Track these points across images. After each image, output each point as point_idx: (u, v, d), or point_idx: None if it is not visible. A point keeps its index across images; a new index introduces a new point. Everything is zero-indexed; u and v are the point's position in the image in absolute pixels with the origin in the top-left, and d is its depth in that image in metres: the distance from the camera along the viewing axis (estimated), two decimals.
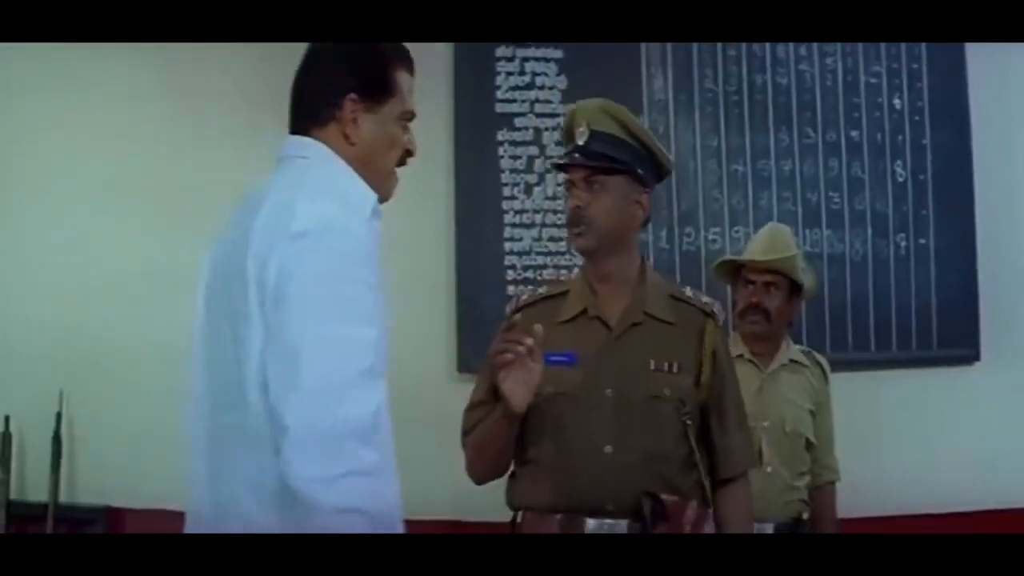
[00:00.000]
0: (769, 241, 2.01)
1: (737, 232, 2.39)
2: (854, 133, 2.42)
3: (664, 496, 1.31)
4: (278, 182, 1.09)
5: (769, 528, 1.86)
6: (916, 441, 2.51)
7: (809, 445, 2.01)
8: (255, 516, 1.00)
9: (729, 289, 2.08)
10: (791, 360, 2.03)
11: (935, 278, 2.45)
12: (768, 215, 2.39)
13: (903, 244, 2.44)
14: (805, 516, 1.98)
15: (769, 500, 1.88)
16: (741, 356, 1.95)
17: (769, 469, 1.92)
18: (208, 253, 1.12)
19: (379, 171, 1.13)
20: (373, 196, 1.11)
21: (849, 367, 2.29)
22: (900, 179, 2.44)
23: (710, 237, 2.38)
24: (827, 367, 2.08)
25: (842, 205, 2.43)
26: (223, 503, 1.04)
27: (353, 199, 1.07)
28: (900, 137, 2.45)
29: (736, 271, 2.03)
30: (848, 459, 2.10)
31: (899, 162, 2.44)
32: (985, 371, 2.55)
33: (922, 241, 2.45)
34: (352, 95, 1.11)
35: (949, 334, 2.46)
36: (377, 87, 1.13)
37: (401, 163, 1.16)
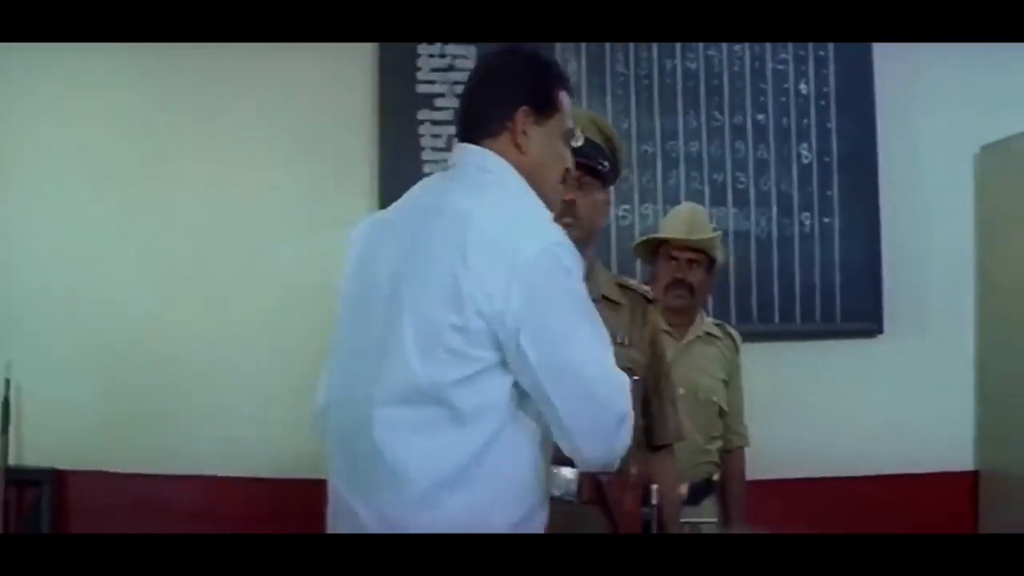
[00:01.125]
0: (691, 221, 2.20)
1: (646, 210, 2.59)
2: (760, 117, 2.62)
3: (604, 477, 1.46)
4: (472, 197, 1.18)
5: (683, 488, 2.00)
6: (821, 409, 2.75)
7: (721, 412, 2.21)
8: (432, 496, 1.11)
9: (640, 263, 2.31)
10: (705, 332, 2.23)
11: (839, 255, 2.68)
12: (676, 194, 2.60)
13: (808, 223, 2.66)
14: (715, 477, 2.20)
15: (683, 462, 2.04)
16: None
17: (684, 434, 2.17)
18: (360, 241, 1.24)
19: (546, 184, 1.25)
20: (548, 212, 1.22)
21: (754, 339, 2.48)
22: (806, 161, 2.65)
23: (620, 214, 2.57)
24: (738, 339, 2.29)
25: (748, 185, 2.62)
26: (392, 483, 1.13)
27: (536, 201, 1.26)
28: (806, 121, 2.66)
29: (656, 248, 2.21)
30: (756, 425, 2.30)
31: (805, 145, 2.65)
32: (887, 344, 2.79)
33: (827, 220, 2.67)
34: (524, 107, 1.23)
35: (852, 308, 2.70)
36: (546, 102, 1.25)
37: (563, 180, 1.27)
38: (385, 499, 1.15)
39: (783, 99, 2.64)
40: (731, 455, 2.24)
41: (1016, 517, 2.77)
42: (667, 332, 2.12)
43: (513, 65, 1.28)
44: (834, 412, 2.77)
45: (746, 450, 2.26)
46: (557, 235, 1.14)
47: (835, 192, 2.66)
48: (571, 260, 1.13)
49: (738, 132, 2.63)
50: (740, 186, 2.62)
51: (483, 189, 1.19)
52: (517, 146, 1.22)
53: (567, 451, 1.19)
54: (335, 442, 1.22)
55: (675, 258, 2.14)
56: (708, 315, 2.34)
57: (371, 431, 1.14)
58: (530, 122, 1.23)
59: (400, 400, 1.15)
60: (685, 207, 2.29)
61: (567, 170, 1.27)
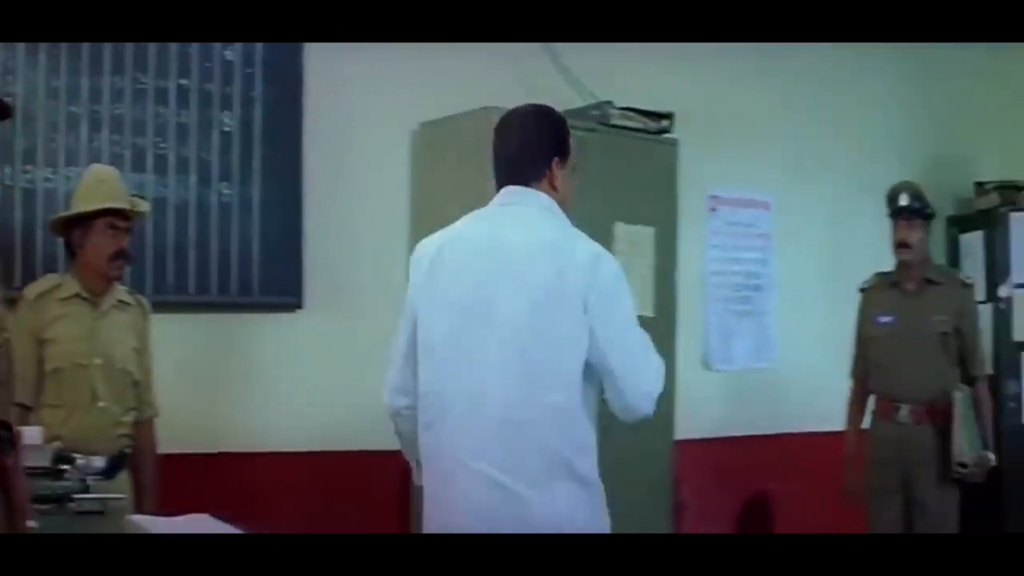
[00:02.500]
0: (114, 187, 3.06)
1: (71, 172, 3.33)
2: (184, 81, 3.53)
3: None
4: (544, 229, 2.48)
5: (101, 462, 2.84)
6: (241, 382, 3.77)
7: (135, 383, 3.11)
8: (568, 458, 2.40)
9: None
10: (120, 300, 3.10)
11: (259, 227, 3.68)
12: (99, 157, 3.34)
13: (227, 192, 3.63)
14: (128, 450, 3.08)
15: (102, 434, 2.98)
16: (77, 295, 2.98)
17: (102, 404, 3.00)
18: (431, 257, 2.50)
19: (568, 206, 2.55)
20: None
21: (170, 309, 3.39)
22: (227, 129, 3.62)
23: (47, 176, 3.32)
24: (148, 306, 3.19)
25: (168, 151, 3.52)
26: (517, 462, 2.38)
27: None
28: (230, 88, 3.62)
29: (79, 219, 3.04)
30: (171, 398, 3.22)
31: (228, 112, 3.62)
32: (307, 318, 3.89)
33: (248, 191, 3.65)
34: (556, 159, 2.52)
35: (272, 281, 3.72)
36: (566, 151, 2.56)
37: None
38: (536, 471, 2.39)
39: (208, 64, 3.55)
40: (142, 425, 3.16)
41: None
42: (85, 299, 2.99)
43: (547, 125, 2.59)
44: (255, 386, 3.78)
45: (160, 423, 3.18)
46: (605, 252, 2.49)
47: (257, 163, 3.66)
48: (620, 271, 2.48)
49: (162, 96, 3.49)
50: (160, 152, 3.49)
51: (551, 223, 2.50)
52: (553, 187, 2.53)
53: (618, 409, 2.47)
54: (463, 430, 2.41)
55: (117, 227, 3.01)
56: (124, 284, 3.16)
57: (515, 419, 2.38)
58: (558, 166, 2.54)
59: (535, 394, 2.38)
60: (103, 172, 3.13)
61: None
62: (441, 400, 2.47)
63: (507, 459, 2.41)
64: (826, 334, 5.12)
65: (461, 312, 2.45)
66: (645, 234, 4.07)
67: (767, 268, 5.33)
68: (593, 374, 2.46)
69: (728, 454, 4.94)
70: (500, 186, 2.58)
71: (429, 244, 2.57)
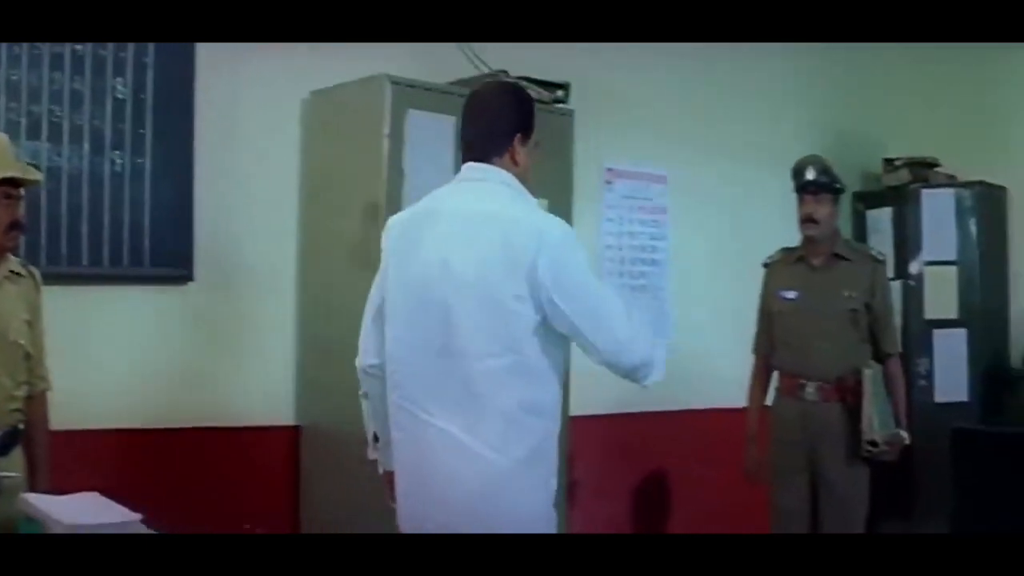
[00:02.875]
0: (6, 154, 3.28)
1: None
2: (79, 47, 3.79)
3: None
4: (496, 201, 2.90)
5: None
6: (129, 356, 4.06)
7: (28, 355, 3.32)
8: (525, 420, 2.81)
9: None
10: (12, 272, 3.31)
11: (150, 197, 3.98)
12: None
13: (119, 161, 3.92)
14: (22, 426, 3.30)
15: None
16: None
17: None
18: (397, 231, 3.00)
19: (528, 179, 2.98)
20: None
21: (61, 281, 3.65)
22: (120, 96, 3.92)
23: None
24: (39, 277, 3.42)
25: (63, 119, 3.79)
26: (478, 421, 2.79)
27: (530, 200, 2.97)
28: (123, 53, 3.91)
29: None
30: (61, 372, 3.46)
31: (120, 79, 3.92)
32: (198, 291, 4.20)
33: (139, 160, 3.95)
34: (518, 134, 2.94)
35: (163, 253, 4.02)
36: (529, 127, 2.98)
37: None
38: (489, 427, 2.79)
39: None
40: (34, 400, 3.37)
41: (337, 471, 4.21)
42: None
43: (511, 102, 3.02)
44: (144, 359, 4.08)
45: (49, 397, 3.40)
46: (559, 222, 2.88)
47: (148, 131, 3.97)
48: (573, 235, 2.88)
49: (57, 61, 3.76)
50: (55, 120, 3.77)
51: (504, 196, 2.90)
52: (514, 162, 2.96)
53: (604, 365, 2.90)
54: (421, 387, 2.85)
55: (10, 196, 3.21)
56: (18, 255, 3.37)
57: (473, 377, 2.78)
58: (519, 142, 2.97)
59: (490, 353, 2.77)
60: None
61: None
62: (405, 361, 2.92)
63: (468, 419, 2.83)
64: (724, 309, 5.56)
65: (422, 277, 2.88)
66: (540, 206, 4.32)
67: (663, 242, 5.75)
68: (554, 338, 2.87)
69: (624, 431, 5.37)
70: (464, 162, 3.02)
71: (400, 215, 3.08)
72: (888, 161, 6.92)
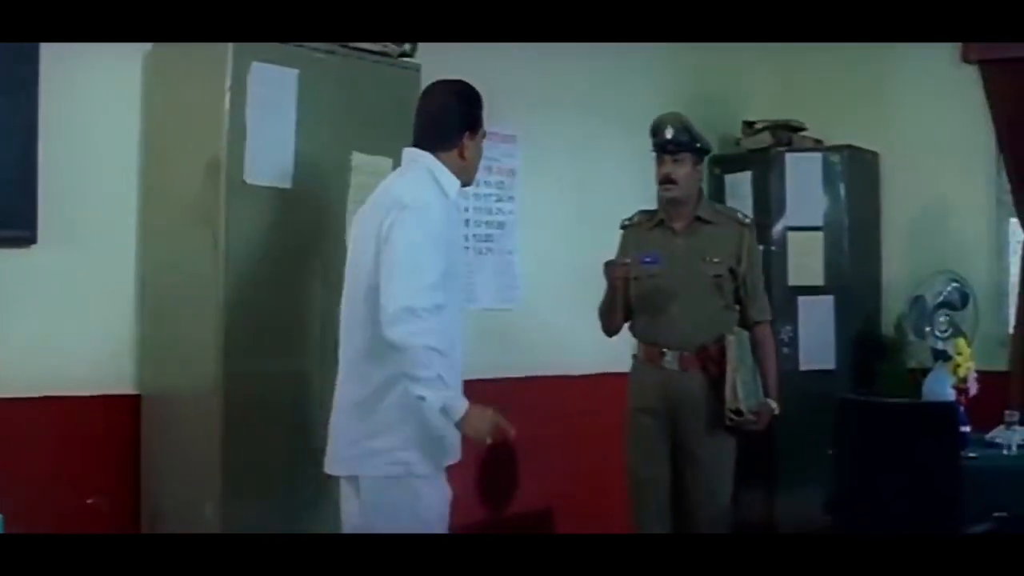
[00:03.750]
0: None
1: None
2: None
3: None
4: (400, 179, 4.10)
5: None
6: None
7: None
8: (364, 368, 4.03)
9: None
10: None
11: None
12: None
13: None
14: None
15: None
16: None
17: None
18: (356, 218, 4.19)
19: (473, 172, 4.20)
20: (457, 183, 4.08)
21: None
22: None
23: None
24: None
25: None
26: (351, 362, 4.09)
27: (445, 187, 4.05)
28: None
29: None
30: None
31: None
32: (42, 254, 4.56)
33: None
34: (467, 132, 4.10)
35: (5, 215, 4.43)
36: (477, 124, 4.15)
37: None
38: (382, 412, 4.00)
39: None
40: None
41: (179, 441, 4.60)
42: None
43: (461, 100, 4.15)
44: None
45: None
46: (424, 198, 3.98)
47: None
48: (428, 213, 3.94)
49: None
50: None
51: (411, 174, 4.10)
52: (461, 157, 4.10)
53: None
54: (345, 368, 4.13)
55: None
56: None
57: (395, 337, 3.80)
58: (468, 139, 4.09)
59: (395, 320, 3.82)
60: None
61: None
62: (342, 340, 4.14)
63: (363, 394, 4.04)
64: (574, 273, 6.00)
65: (351, 261, 4.10)
66: (384, 165, 4.77)
67: (512, 204, 6.32)
68: None
69: (474, 398, 5.68)
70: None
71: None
72: (748, 124, 7.61)
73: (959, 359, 6.08)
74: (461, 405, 3.89)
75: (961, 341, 6.27)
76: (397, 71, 5.08)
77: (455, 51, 5.05)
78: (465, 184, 4.25)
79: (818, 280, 7.48)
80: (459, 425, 3.92)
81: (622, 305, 5.35)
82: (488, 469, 6.11)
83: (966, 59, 7.53)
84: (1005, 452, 5.61)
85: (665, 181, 5.28)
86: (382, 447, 4.00)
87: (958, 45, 7.39)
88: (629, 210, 5.59)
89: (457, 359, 4.08)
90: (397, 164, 4.71)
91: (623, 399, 5.48)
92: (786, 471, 6.97)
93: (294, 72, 4.61)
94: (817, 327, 7.44)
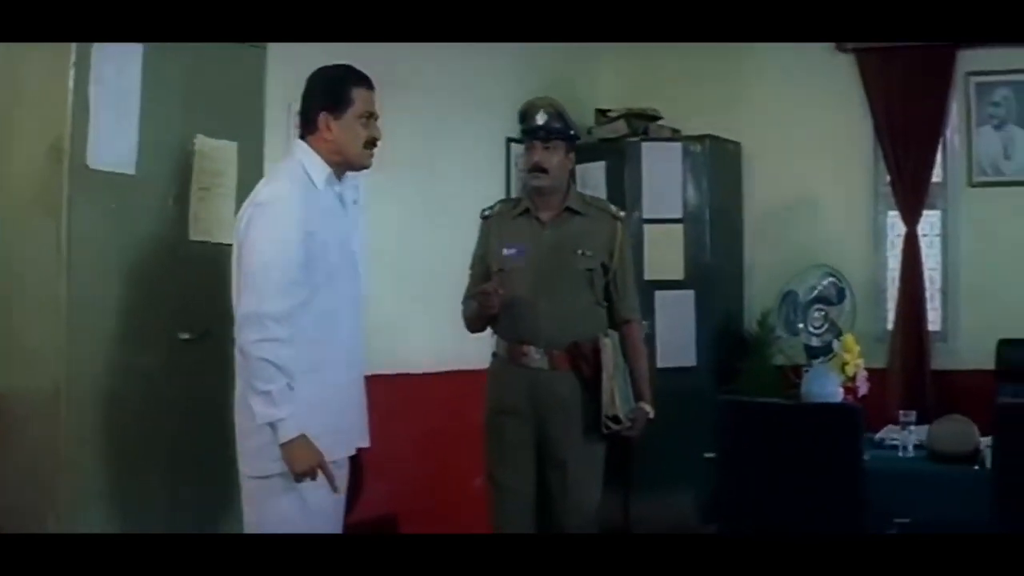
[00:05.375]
0: None
1: None
2: None
3: None
4: (271, 172, 4.49)
5: None
6: None
7: None
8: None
9: None
10: None
11: None
12: None
13: None
14: None
15: None
16: None
17: None
18: None
19: (349, 155, 4.38)
20: (327, 170, 4.34)
21: None
22: None
23: None
24: None
25: None
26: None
27: (313, 175, 4.29)
28: None
29: None
30: None
31: None
32: None
33: None
34: (323, 113, 4.30)
35: None
36: (339, 104, 4.33)
37: (370, 146, 4.41)
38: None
39: None
40: None
41: (22, 441, 4.63)
42: None
43: (313, 83, 4.40)
44: None
45: None
46: (282, 191, 4.20)
47: None
48: (284, 209, 4.17)
49: None
50: None
51: (285, 172, 4.35)
52: (324, 139, 4.30)
53: None
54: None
55: None
56: None
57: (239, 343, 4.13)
58: (330, 119, 4.30)
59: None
60: None
61: (373, 138, 4.42)
62: None
63: (239, 392, 4.26)
64: (421, 264, 6.26)
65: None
66: (229, 150, 5.04)
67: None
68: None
69: None
70: None
71: None
72: (602, 112, 7.92)
73: (847, 356, 6.33)
74: (287, 431, 4.12)
75: (849, 338, 6.52)
76: (243, 52, 5.17)
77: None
78: (343, 168, 4.48)
79: (677, 274, 7.83)
80: (282, 448, 4.11)
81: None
82: None
83: (842, 48, 8.03)
84: (900, 454, 5.77)
85: (535, 169, 5.37)
86: (252, 447, 4.25)
87: None
88: (478, 198, 5.74)
89: (337, 356, 4.38)
90: (243, 148, 5.06)
91: (475, 399, 5.59)
92: (648, 475, 7.17)
93: (139, 47, 4.71)
94: (676, 323, 7.78)
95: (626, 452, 5.78)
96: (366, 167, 4.57)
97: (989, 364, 7.48)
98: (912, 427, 5.81)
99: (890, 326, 8.10)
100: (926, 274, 8.12)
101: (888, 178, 8.09)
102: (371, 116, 4.47)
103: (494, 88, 6.73)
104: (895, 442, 5.84)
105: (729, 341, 8.06)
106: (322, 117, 4.38)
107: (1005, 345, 7.54)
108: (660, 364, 7.39)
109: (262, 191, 4.27)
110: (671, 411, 5.90)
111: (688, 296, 7.87)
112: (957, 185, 8.15)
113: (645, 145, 7.91)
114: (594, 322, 5.34)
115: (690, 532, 5.90)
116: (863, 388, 6.32)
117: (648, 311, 7.22)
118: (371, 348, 6.19)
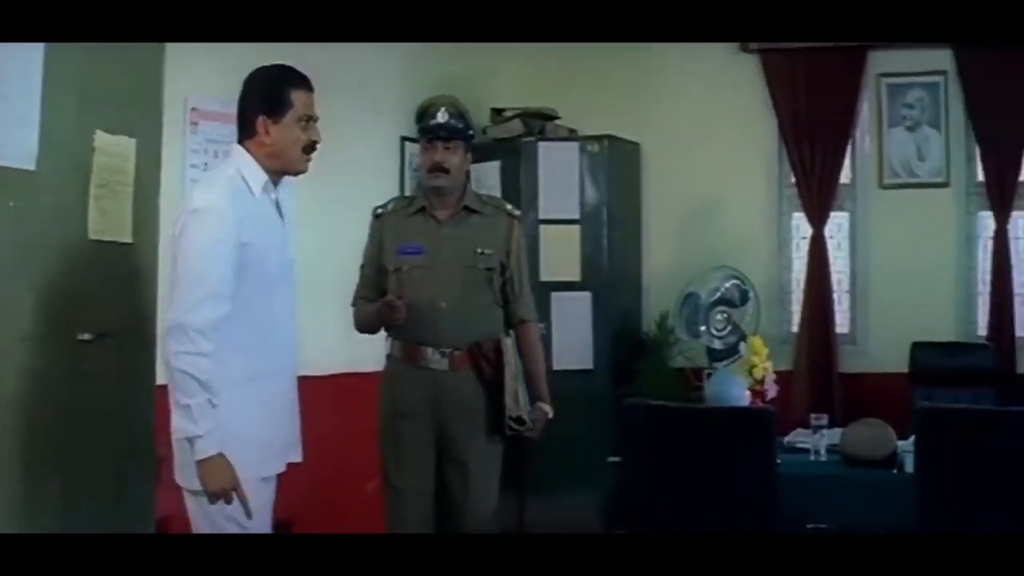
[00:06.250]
0: None
1: None
2: None
3: None
4: (204, 177, 4.92)
5: None
6: None
7: None
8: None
9: None
10: None
11: None
12: None
13: None
14: None
15: None
16: None
17: None
18: None
19: (288, 160, 4.47)
20: (264, 177, 4.43)
21: None
22: None
23: None
24: None
25: None
26: None
27: (248, 179, 4.38)
28: None
29: None
30: None
31: None
32: None
33: None
34: (261, 116, 4.37)
35: None
36: (277, 106, 4.40)
37: (309, 150, 4.50)
38: None
39: None
40: None
41: None
42: None
43: (251, 85, 4.49)
44: None
45: None
46: (215, 199, 4.29)
47: None
48: (214, 218, 4.27)
49: None
50: None
51: (218, 177, 4.45)
52: (261, 144, 4.38)
53: None
54: None
55: None
56: None
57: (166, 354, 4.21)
58: (269, 123, 4.39)
59: None
60: None
61: (312, 142, 4.51)
62: None
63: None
64: (311, 263, 6.21)
65: None
66: (127, 146, 5.07)
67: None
68: None
69: None
70: None
71: None
72: (497, 111, 8.16)
73: (755, 359, 6.62)
74: (204, 448, 4.20)
75: (757, 340, 6.81)
76: (142, 46, 5.17)
77: None
78: (280, 173, 4.57)
79: (574, 276, 8.12)
80: (197, 466, 4.19)
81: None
82: None
83: (745, 48, 8.37)
84: (812, 458, 5.99)
85: (435, 169, 5.55)
86: (183, 460, 4.35)
87: None
88: (372, 198, 5.90)
89: (271, 368, 4.51)
90: (141, 144, 5.11)
91: (366, 401, 5.79)
92: (544, 477, 6.96)
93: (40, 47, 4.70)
94: (573, 325, 8.06)
95: (522, 454, 5.92)
96: (303, 172, 4.63)
97: (900, 367, 7.93)
98: (824, 431, 6.02)
99: (795, 328, 8.50)
100: (833, 276, 8.51)
101: (793, 179, 8.44)
102: (310, 119, 4.54)
103: (388, 87, 6.89)
104: (804, 446, 6.06)
105: (627, 343, 8.34)
106: (260, 120, 4.45)
107: (919, 348, 7.98)
108: (556, 366, 7.53)
109: (197, 197, 4.34)
110: (568, 414, 6.12)
111: (585, 298, 8.17)
112: (867, 186, 8.61)
113: (542, 145, 8.17)
114: (495, 322, 5.56)
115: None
116: (772, 391, 6.58)
117: (544, 313, 7.39)
118: None
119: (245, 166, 4.41)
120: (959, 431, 5.46)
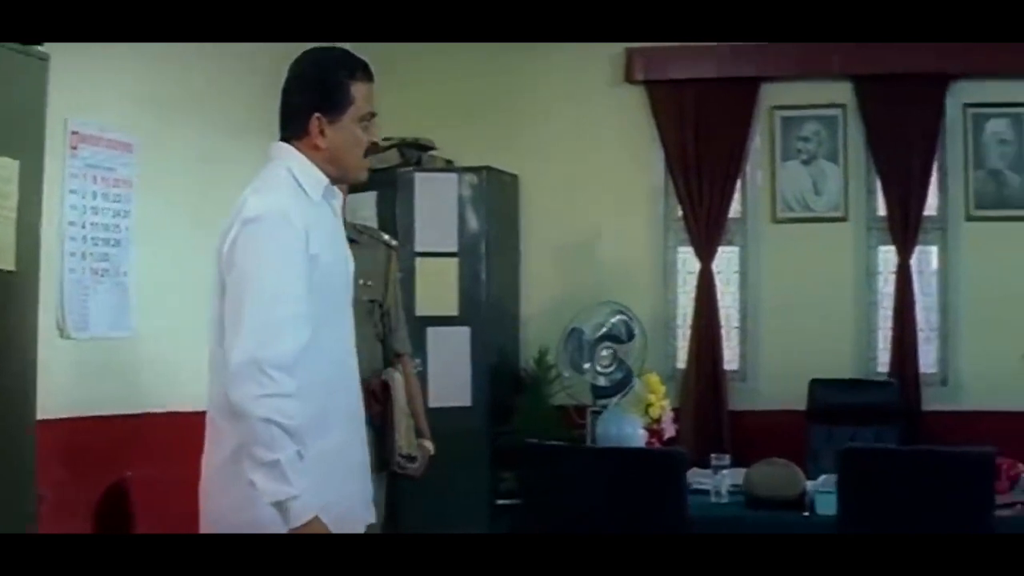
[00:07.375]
0: None
1: None
2: None
3: None
4: (255, 181, 3.82)
5: None
6: None
7: None
8: (219, 424, 3.73)
9: None
10: None
11: None
12: None
13: None
14: None
15: None
16: None
17: None
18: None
19: (346, 165, 3.91)
20: (324, 181, 3.87)
21: None
22: None
23: None
24: None
25: None
26: (210, 417, 3.79)
27: (305, 186, 3.82)
28: None
29: None
30: None
31: None
32: None
33: None
34: (317, 114, 3.79)
35: None
36: (336, 104, 3.82)
37: (369, 153, 3.91)
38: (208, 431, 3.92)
39: None
40: None
41: None
42: None
43: (305, 75, 3.92)
44: None
45: None
46: (276, 206, 3.72)
47: None
48: (278, 227, 3.70)
49: None
50: None
51: (266, 173, 3.91)
52: (315, 146, 3.83)
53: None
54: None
55: None
56: None
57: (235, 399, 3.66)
58: (325, 123, 3.83)
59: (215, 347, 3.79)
60: None
61: (374, 144, 3.98)
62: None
63: (220, 458, 3.79)
64: (193, 296, 5.88)
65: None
66: (10, 167, 5.03)
67: (127, 220, 6.68)
68: None
69: (87, 436, 6.23)
70: None
71: None
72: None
73: (651, 397, 6.74)
74: (300, 512, 3.62)
75: (654, 378, 6.95)
76: (22, 60, 5.17)
77: (86, 45, 5.31)
78: (340, 181, 4.11)
79: (452, 310, 8.26)
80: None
81: None
82: (101, 512, 6.53)
83: (630, 79, 8.63)
84: (713, 499, 6.05)
85: None
86: (240, 521, 3.80)
87: (623, 65, 8.51)
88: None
89: (342, 410, 4.02)
90: (24, 166, 5.08)
91: None
92: (417, 517, 7.38)
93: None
94: (450, 360, 8.20)
95: (394, 492, 6.02)
96: (362, 180, 4.20)
97: (793, 404, 8.16)
98: (725, 471, 6.06)
99: (681, 364, 8.68)
100: (722, 311, 8.76)
101: (680, 212, 8.66)
102: (372, 116, 4.02)
103: (265, 110, 6.94)
104: (703, 487, 6.07)
105: (505, 379, 8.47)
106: (314, 119, 3.92)
107: (817, 384, 8.20)
108: (433, 404, 7.44)
109: (250, 203, 3.76)
110: (447, 452, 6.17)
111: (463, 333, 8.30)
112: (759, 220, 8.87)
113: (419, 175, 8.35)
114: (377, 358, 5.58)
115: None
116: (670, 430, 6.71)
117: (420, 348, 7.51)
118: (145, 384, 6.75)
119: (299, 167, 3.91)
120: (885, 473, 5.51)
